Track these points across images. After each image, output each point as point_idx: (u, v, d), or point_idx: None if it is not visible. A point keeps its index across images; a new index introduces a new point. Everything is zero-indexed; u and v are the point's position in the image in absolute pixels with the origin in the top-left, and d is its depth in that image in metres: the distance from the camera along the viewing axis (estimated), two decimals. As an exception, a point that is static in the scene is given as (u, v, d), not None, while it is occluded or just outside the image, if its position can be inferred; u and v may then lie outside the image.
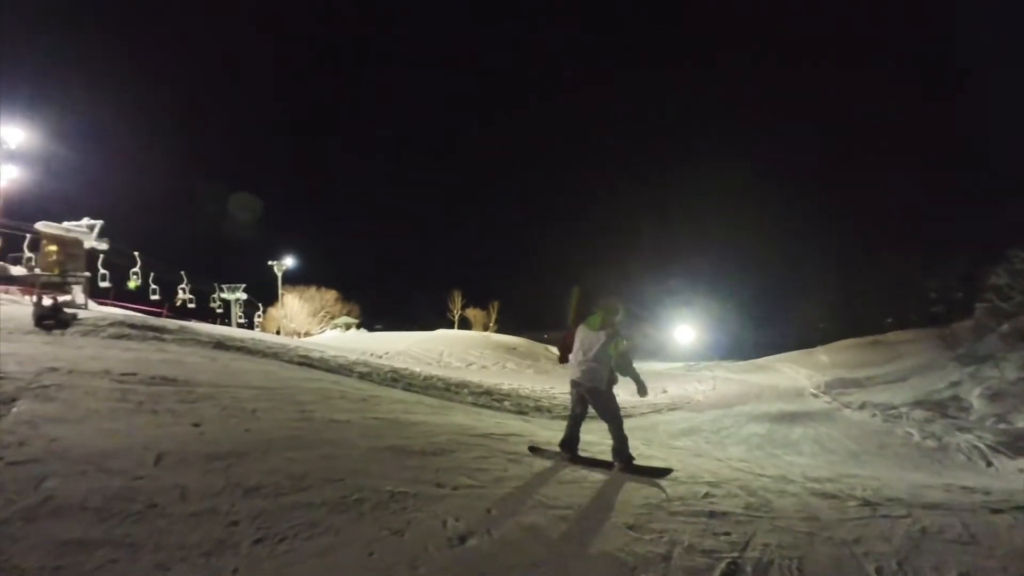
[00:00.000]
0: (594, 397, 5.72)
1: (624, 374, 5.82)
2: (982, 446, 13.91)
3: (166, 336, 14.10)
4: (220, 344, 14.79)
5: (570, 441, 6.07)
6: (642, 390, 5.71)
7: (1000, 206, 31.40)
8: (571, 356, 5.85)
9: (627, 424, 6.02)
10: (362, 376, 15.21)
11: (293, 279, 50.33)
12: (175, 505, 3.64)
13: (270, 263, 47.45)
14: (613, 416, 5.75)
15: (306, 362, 15.39)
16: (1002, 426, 17.13)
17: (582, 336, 5.76)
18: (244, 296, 48.78)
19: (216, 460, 4.60)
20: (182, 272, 40.90)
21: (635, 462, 5.81)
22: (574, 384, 5.87)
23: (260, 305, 50.65)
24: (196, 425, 5.78)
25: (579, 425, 6.10)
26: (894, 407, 19.66)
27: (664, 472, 5.77)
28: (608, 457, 6.00)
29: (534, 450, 6.39)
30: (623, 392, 6.14)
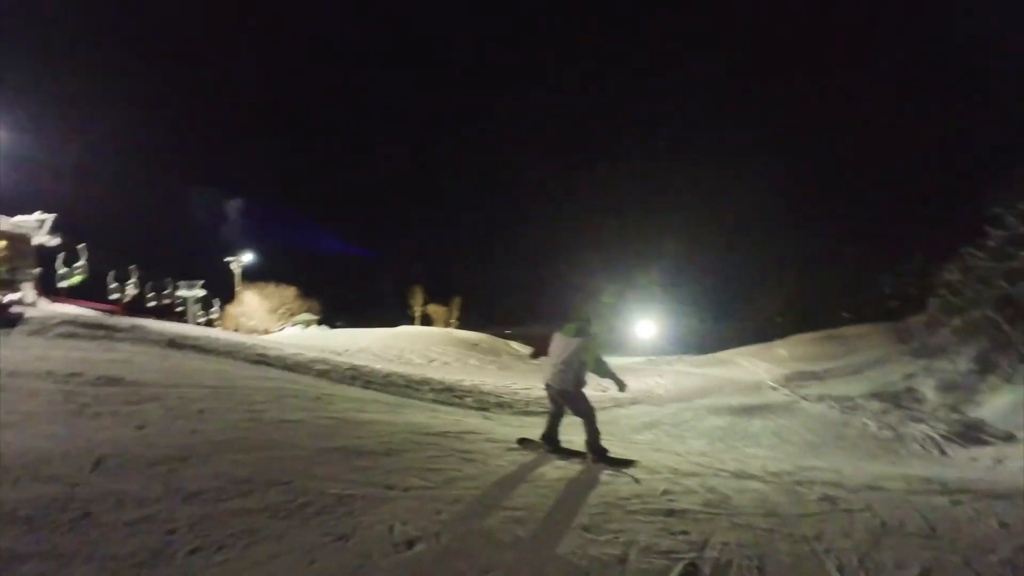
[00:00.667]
0: (564, 398, 6.07)
1: (603, 376, 6.18)
2: (936, 436, 14.23)
3: (117, 335, 13.55)
4: (173, 342, 14.20)
5: (550, 435, 6.35)
6: (621, 387, 6.42)
7: (954, 206, 32.18)
8: (547, 360, 6.12)
9: None
10: (320, 374, 14.74)
11: (252, 276, 49.10)
12: (111, 513, 3.41)
13: (227, 260, 46.30)
14: (585, 413, 6.04)
15: (262, 360, 14.90)
16: (955, 416, 17.54)
17: (557, 342, 6.07)
18: (202, 293, 47.48)
19: (157, 464, 4.34)
20: (131, 267, 39.56)
21: (608, 454, 6.09)
22: (547, 386, 6.23)
23: (215, 301, 49.29)
24: (140, 428, 5.49)
25: (558, 421, 6.37)
26: (851, 399, 19.98)
27: (631, 463, 6.06)
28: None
29: (523, 442, 6.62)
30: (589, 388, 6.14)
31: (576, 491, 4.97)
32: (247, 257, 46.60)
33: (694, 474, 6.02)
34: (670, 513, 4.44)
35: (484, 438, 7.07)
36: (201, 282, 46.55)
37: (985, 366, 20.56)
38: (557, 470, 5.63)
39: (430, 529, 3.68)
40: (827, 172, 73.44)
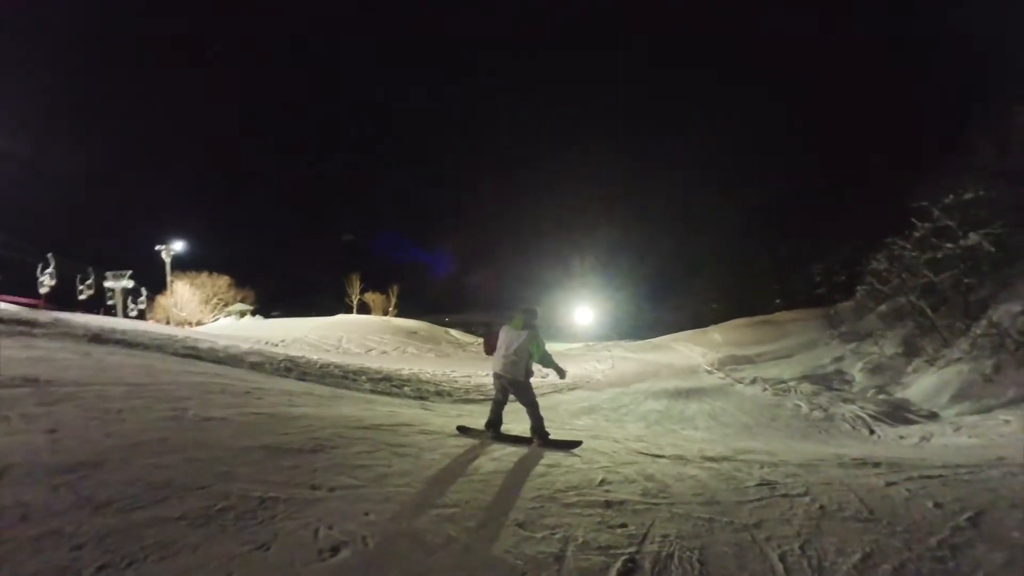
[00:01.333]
0: (514, 387, 6.31)
1: (547, 366, 6.44)
2: (865, 416, 14.77)
3: (36, 331, 12.75)
4: (97, 337, 13.51)
5: (494, 423, 6.55)
6: (561, 375, 6.68)
7: (881, 200, 33.52)
8: (496, 351, 6.38)
9: None
10: (253, 366, 14.20)
11: (183, 265, 46.79)
12: (15, 528, 3.07)
13: (158, 248, 43.93)
14: (530, 402, 6.38)
15: (193, 354, 14.22)
16: (882, 397, 18.32)
17: (505, 335, 6.36)
18: (131, 284, 45.04)
19: (68, 472, 3.91)
20: (48, 255, 37.31)
21: (551, 437, 6.41)
22: (496, 376, 6.43)
23: (143, 291, 46.80)
24: (51, 431, 4.95)
25: (502, 409, 6.59)
26: (783, 381, 20.58)
27: (576, 444, 6.45)
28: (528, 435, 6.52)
29: (462, 430, 6.82)
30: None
31: (512, 484, 4.71)
32: (177, 245, 44.29)
33: (632, 462, 5.85)
34: (608, 505, 4.22)
35: (418, 430, 6.76)
36: (129, 272, 44.25)
37: (910, 349, 21.44)
38: (492, 462, 5.36)
39: (357, 532, 3.38)
40: (761, 164, 75.75)
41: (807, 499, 4.58)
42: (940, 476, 5.63)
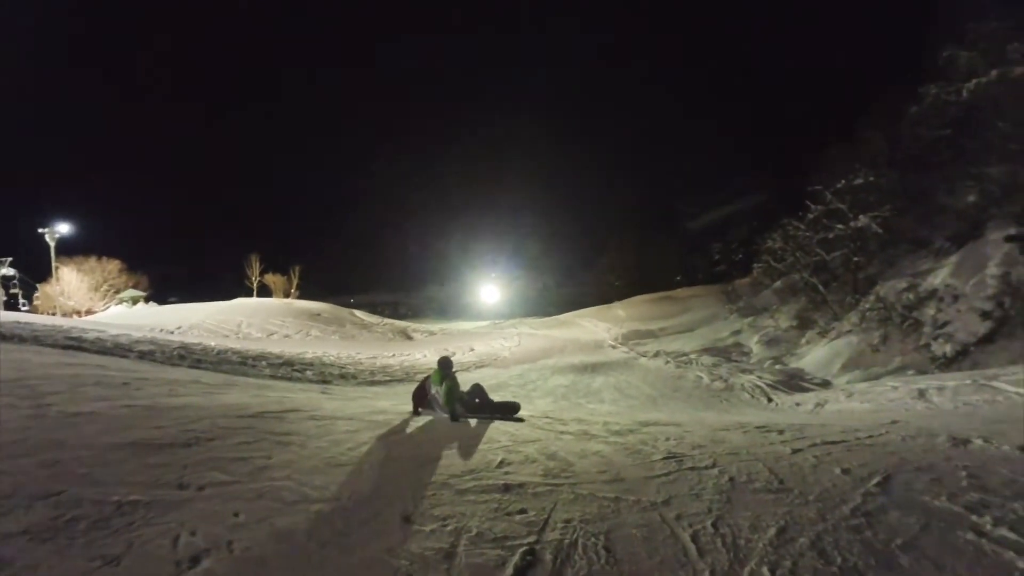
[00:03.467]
0: (461, 419, 6.76)
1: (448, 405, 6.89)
2: (763, 385, 15.17)
3: None
4: None
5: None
6: (452, 418, 6.71)
7: (777, 182, 35.02)
8: (427, 398, 7.22)
9: None
10: (143, 356, 13.01)
11: (71, 249, 42.55)
12: None
13: (41, 231, 39.65)
14: (484, 408, 7.36)
15: (75, 345, 12.86)
16: (778, 367, 19.04)
17: (432, 389, 7.18)
18: (11, 272, 40.55)
19: None
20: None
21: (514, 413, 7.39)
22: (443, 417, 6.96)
23: (16, 278, 42.43)
24: None
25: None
26: (685, 354, 21.08)
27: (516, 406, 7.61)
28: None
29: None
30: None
31: (403, 471, 4.21)
32: (63, 228, 39.98)
33: (534, 439, 5.47)
34: (506, 489, 3.80)
35: (308, 416, 6.12)
36: (8, 259, 39.85)
37: (803, 323, 22.58)
38: (385, 448, 4.84)
39: (223, 538, 2.91)
40: (662, 147, 77.74)
41: (715, 471, 4.32)
42: (842, 442, 5.57)
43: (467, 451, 4.85)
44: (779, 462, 4.68)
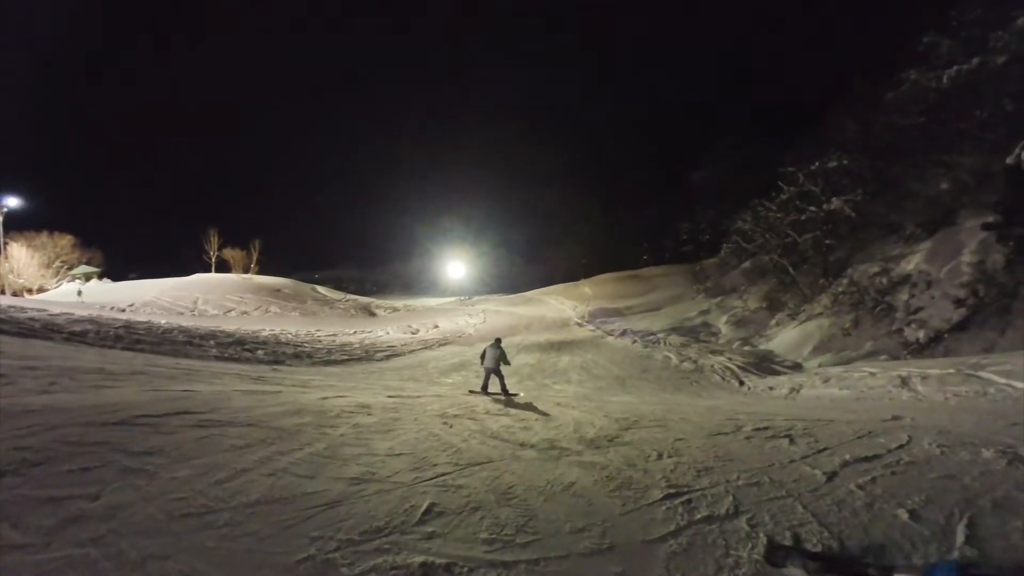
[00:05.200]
0: (494, 373, 9.75)
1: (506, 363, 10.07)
2: (734, 367, 13.99)
3: None
4: None
5: (485, 387, 9.88)
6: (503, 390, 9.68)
7: (747, 164, 34.01)
8: (484, 358, 9.89)
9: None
10: (71, 337, 11.31)
11: (20, 224, 39.13)
12: None
13: None
14: (501, 375, 9.79)
15: None
16: (747, 348, 17.87)
17: (487, 351, 9.89)
18: None
19: None
20: None
21: (510, 393, 9.60)
22: (486, 369, 9.85)
23: None
24: None
25: (488, 381, 9.89)
26: (652, 333, 19.85)
27: (516, 395, 9.62)
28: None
29: (472, 392, 9.96)
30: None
31: (272, 529, 2.63)
32: (11, 201, 36.56)
33: (484, 461, 3.91)
34: None
35: (196, 422, 4.44)
36: None
37: (772, 304, 21.54)
38: (270, 478, 3.25)
39: None
40: (633, 125, 76.35)
41: (742, 521, 2.86)
42: (875, 456, 4.25)
43: (383, 485, 3.28)
44: (818, 499, 3.26)
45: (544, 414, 6.41)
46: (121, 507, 2.69)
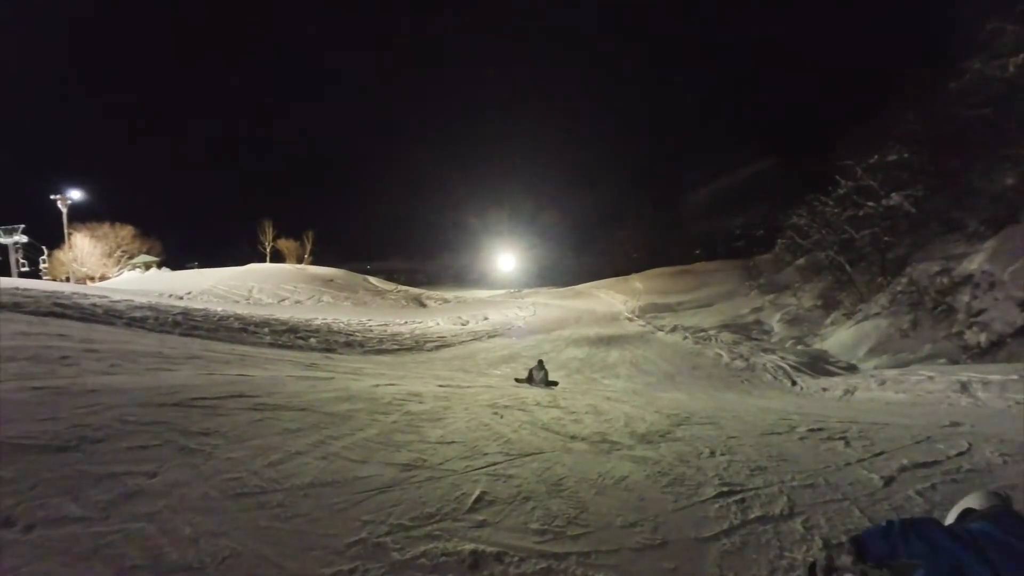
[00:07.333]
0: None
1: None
2: (786, 366, 13.51)
3: None
4: None
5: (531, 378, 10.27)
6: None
7: (798, 159, 32.80)
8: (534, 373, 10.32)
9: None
10: (132, 323, 11.58)
11: (83, 215, 40.61)
12: None
13: (53, 197, 37.81)
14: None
15: (58, 312, 11.10)
16: (800, 347, 17.19)
17: (533, 373, 10.27)
18: (24, 239, 38.93)
19: None
20: None
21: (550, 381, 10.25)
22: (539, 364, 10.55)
23: (44, 248, 40.72)
24: None
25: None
26: (703, 330, 19.34)
27: (555, 383, 10.31)
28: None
29: (519, 381, 10.38)
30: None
31: (322, 511, 2.67)
32: (75, 194, 37.98)
33: (535, 452, 3.89)
34: (474, 566, 2.26)
35: (251, 405, 4.47)
36: (21, 226, 38.22)
37: (828, 302, 20.66)
38: (321, 461, 3.30)
39: None
40: (686, 118, 74.52)
41: (797, 523, 2.78)
42: (936, 462, 4.07)
43: (434, 472, 3.30)
44: (875, 503, 3.16)
45: (594, 408, 6.35)
46: (177, 485, 2.77)
